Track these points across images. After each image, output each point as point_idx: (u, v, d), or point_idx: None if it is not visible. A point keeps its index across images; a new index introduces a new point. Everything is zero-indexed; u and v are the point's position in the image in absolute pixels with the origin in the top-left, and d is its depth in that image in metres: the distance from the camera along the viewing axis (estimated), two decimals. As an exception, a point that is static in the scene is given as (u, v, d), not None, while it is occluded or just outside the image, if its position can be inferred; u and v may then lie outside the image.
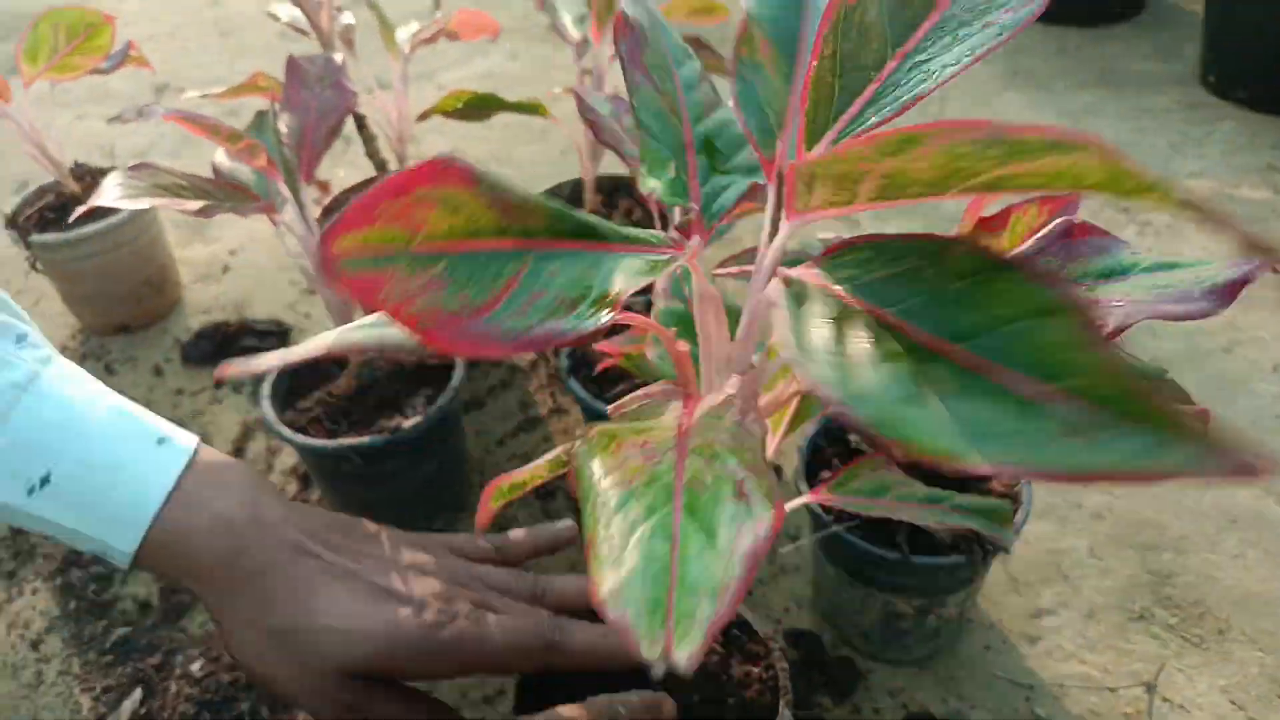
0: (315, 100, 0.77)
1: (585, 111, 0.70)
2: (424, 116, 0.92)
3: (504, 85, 1.70)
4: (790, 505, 0.58)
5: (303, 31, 0.96)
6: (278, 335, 1.16)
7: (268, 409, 0.81)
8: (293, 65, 0.78)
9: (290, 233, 0.75)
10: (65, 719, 0.80)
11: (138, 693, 0.82)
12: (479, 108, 0.90)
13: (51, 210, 1.13)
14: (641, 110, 0.46)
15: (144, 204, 0.62)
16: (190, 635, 0.85)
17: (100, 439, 0.49)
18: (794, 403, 0.56)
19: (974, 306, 0.30)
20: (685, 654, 0.24)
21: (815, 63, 0.38)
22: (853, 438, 0.72)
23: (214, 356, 1.14)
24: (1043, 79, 1.65)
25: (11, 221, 1.11)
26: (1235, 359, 1.01)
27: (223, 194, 0.67)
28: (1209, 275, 0.38)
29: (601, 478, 0.30)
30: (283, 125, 0.75)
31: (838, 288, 0.32)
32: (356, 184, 1.09)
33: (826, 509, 0.66)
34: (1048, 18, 1.78)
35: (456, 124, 1.08)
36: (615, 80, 0.95)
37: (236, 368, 0.39)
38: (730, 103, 0.43)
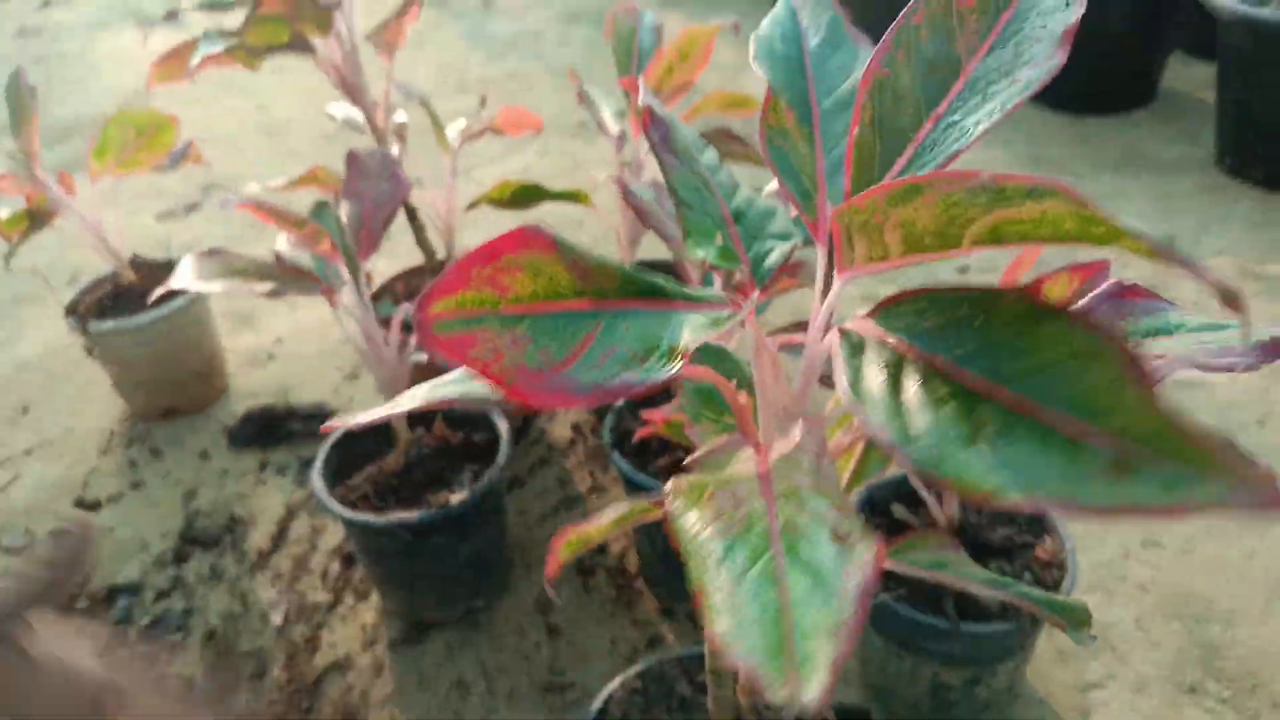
0: (373, 191, 0.82)
1: (629, 197, 0.73)
2: (473, 206, 0.96)
3: (537, 180, 1.76)
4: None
5: (357, 129, 1.01)
6: (321, 419, 1.19)
7: (319, 485, 0.83)
8: (353, 158, 0.83)
9: (349, 315, 0.79)
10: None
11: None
12: (525, 197, 0.94)
13: (109, 299, 1.17)
14: (681, 189, 0.50)
15: (217, 287, 0.66)
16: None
17: None
18: (856, 454, 0.58)
19: (1021, 351, 0.32)
20: (813, 694, 0.25)
21: (856, 129, 0.41)
22: (896, 508, 0.73)
23: (259, 440, 1.17)
24: (1067, 165, 1.69)
25: (71, 310, 1.16)
26: (1269, 431, 1.02)
27: (288, 278, 0.71)
28: (1253, 334, 0.40)
29: (700, 529, 0.32)
30: (342, 214, 0.79)
31: (892, 338, 0.35)
32: (402, 272, 1.13)
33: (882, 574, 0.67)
34: (1067, 106, 1.84)
35: (495, 214, 1.12)
36: (653, 171, 0.99)
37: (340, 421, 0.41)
38: (764, 187, 0.46)
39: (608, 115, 1.05)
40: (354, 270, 0.77)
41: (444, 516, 0.79)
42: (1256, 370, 0.40)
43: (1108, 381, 0.29)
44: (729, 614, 0.28)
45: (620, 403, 0.91)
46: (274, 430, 1.18)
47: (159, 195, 1.90)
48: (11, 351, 1.43)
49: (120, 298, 1.17)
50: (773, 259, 0.47)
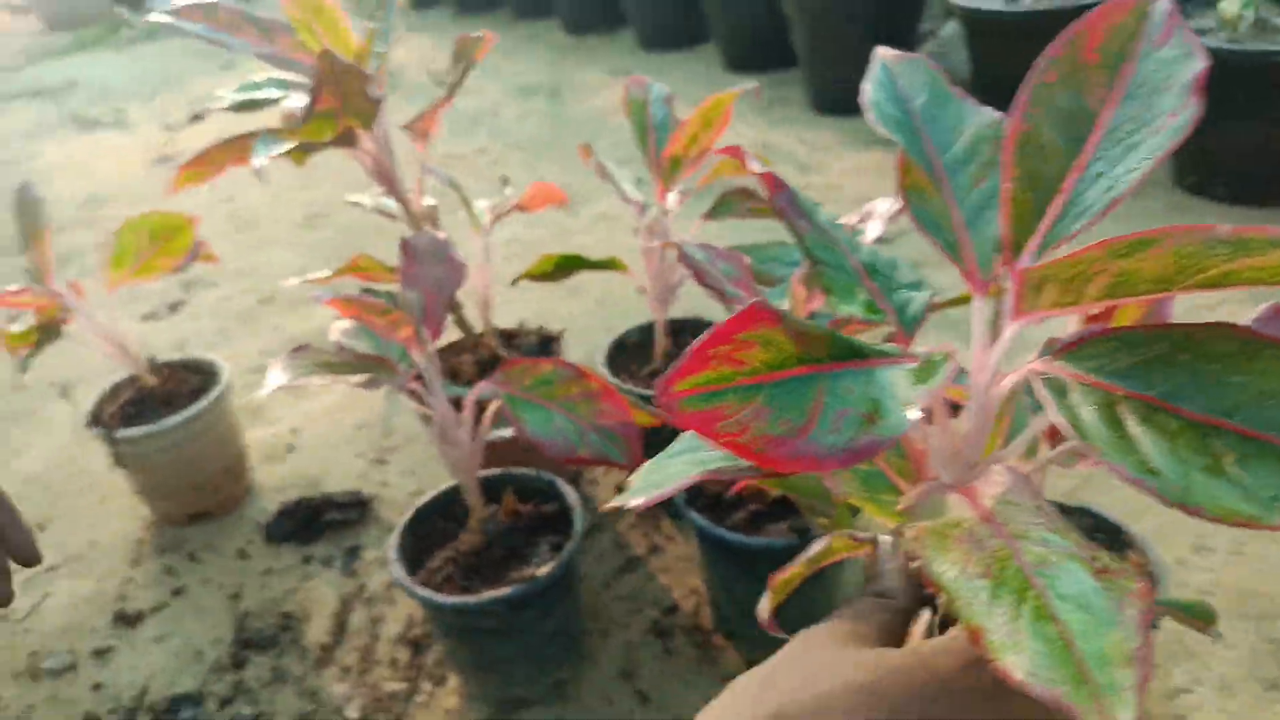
0: (430, 275, 0.83)
1: (686, 260, 0.76)
2: (517, 281, 0.98)
3: (529, 249, 1.79)
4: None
5: (389, 216, 1.02)
6: (359, 506, 1.18)
7: (400, 573, 0.82)
8: (406, 245, 0.84)
9: (410, 399, 0.79)
10: None
11: None
12: (565, 268, 0.96)
13: (131, 405, 1.16)
14: (815, 249, 0.52)
15: (313, 381, 0.66)
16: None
17: None
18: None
19: (1240, 383, 0.35)
20: (1128, 717, 0.27)
21: (1009, 184, 0.44)
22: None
23: (297, 534, 1.15)
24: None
25: (95, 419, 1.14)
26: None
27: (375, 367, 0.72)
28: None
29: (957, 575, 0.33)
30: (405, 300, 0.80)
31: (1094, 378, 0.37)
32: (439, 348, 1.14)
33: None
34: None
35: (503, 289, 1.14)
36: (678, 234, 1.02)
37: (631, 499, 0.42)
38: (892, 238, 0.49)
39: (628, 186, 1.08)
40: (428, 354, 0.78)
41: (534, 590, 0.79)
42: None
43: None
44: (1016, 651, 0.30)
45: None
46: (312, 523, 1.16)
47: (136, 298, 1.87)
48: (16, 466, 1.38)
49: (144, 403, 1.16)
50: (914, 308, 0.50)
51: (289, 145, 0.79)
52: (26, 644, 1.05)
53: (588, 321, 1.54)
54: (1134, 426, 0.36)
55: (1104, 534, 0.76)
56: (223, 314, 1.78)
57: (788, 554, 0.82)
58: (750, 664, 0.91)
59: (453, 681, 0.92)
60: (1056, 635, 0.31)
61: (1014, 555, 0.34)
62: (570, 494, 0.89)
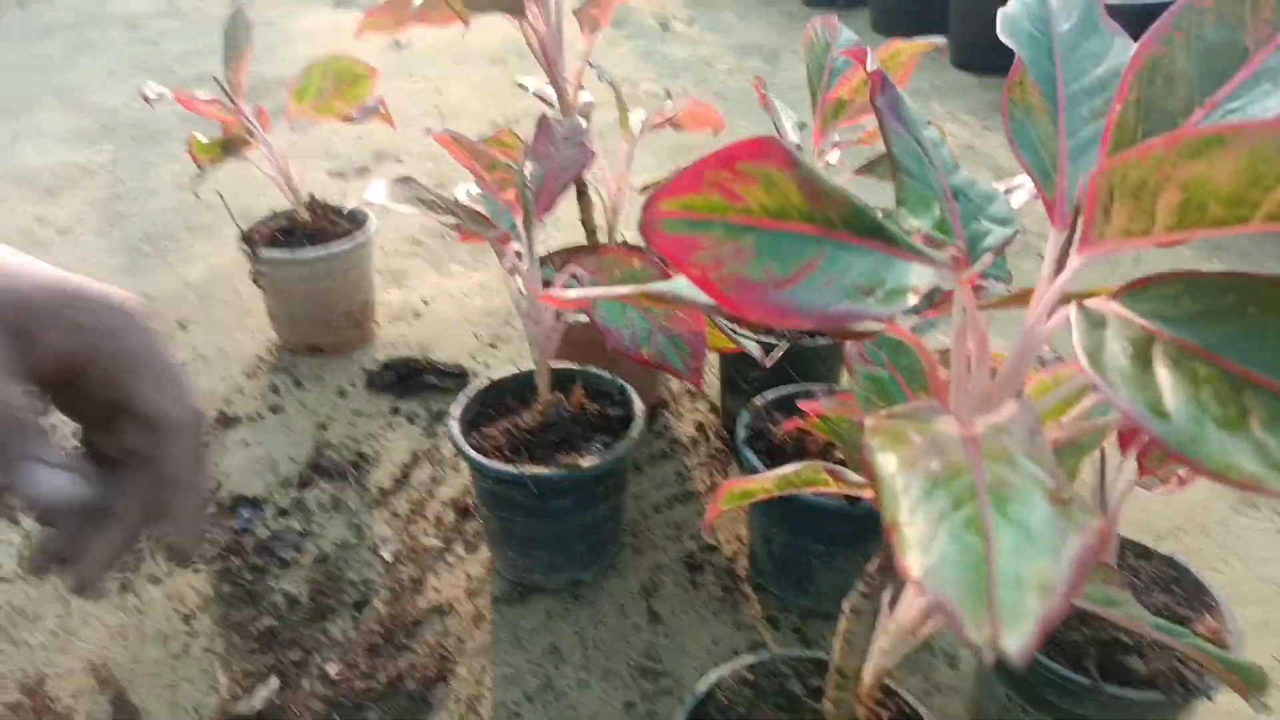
0: (558, 154, 0.83)
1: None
2: (646, 188, 0.97)
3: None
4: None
5: (546, 100, 1.04)
6: (457, 377, 1.21)
7: (456, 431, 0.84)
8: (544, 123, 0.85)
9: (516, 268, 0.80)
10: (203, 692, 0.82)
11: (274, 682, 0.83)
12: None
13: (282, 233, 1.23)
14: (902, 156, 0.48)
15: (406, 209, 0.68)
16: (331, 638, 0.86)
17: None
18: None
19: None
20: (1016, 644, 0.23)
21: (1119, 106, 0.39)
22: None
23: (396, 388, 1.20)
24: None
25: (246, 238, 1.22)
26: None
27: (469, 216, 0.73)
28: None
29: (897, 469, 0.30)
30: (527, 171, 0.81)
31: (1141, 319, 0.32)
32: (562, 249, 1.15)
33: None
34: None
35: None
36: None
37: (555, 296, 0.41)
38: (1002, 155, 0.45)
39: (788, 124, 1.04)
40: (528, 224, 0.78)
41: (571, 478, 0.79)
42: None
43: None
44: (923, 551, 0.27)
45: (761, 401, 0.89)
46: (411, 381, 1.21)
47: (331, 156, 1.99)
48: (180, 272, 1.51)
49: (292, 234, 1.23)
50: (991, 240, 0.45)
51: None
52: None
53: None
54: (1161, 368, 0.31)
55: (1183, 589, 0.68)
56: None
57: (827, 513, 0.79)
58: (770, 620, 0.88)
59: (483, 553, 0.94)
60: (978, 547, 0.27)
61: (972, 469, 0.31)
62: (637, 403, 0.88)
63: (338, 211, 1.29)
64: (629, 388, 0.90)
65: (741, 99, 2.34)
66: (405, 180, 0.74)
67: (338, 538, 0.97)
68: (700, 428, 1.11)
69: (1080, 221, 0.36)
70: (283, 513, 1.00)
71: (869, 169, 0.98)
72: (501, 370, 1.20)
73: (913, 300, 0.34)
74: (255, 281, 1.22)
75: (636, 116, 1.07)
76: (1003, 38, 0.45)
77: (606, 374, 0.92)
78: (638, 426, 0.84)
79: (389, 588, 0.91)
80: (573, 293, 0.38)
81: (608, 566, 0.91)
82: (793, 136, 1.04)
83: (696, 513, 0.99)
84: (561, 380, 0.91)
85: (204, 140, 1.17)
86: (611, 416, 0.88)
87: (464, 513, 0.99)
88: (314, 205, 1.27)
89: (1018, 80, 0.44)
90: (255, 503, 1.02)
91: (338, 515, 1.00)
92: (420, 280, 1.49)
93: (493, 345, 1.30)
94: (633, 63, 2.68)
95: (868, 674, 0.50)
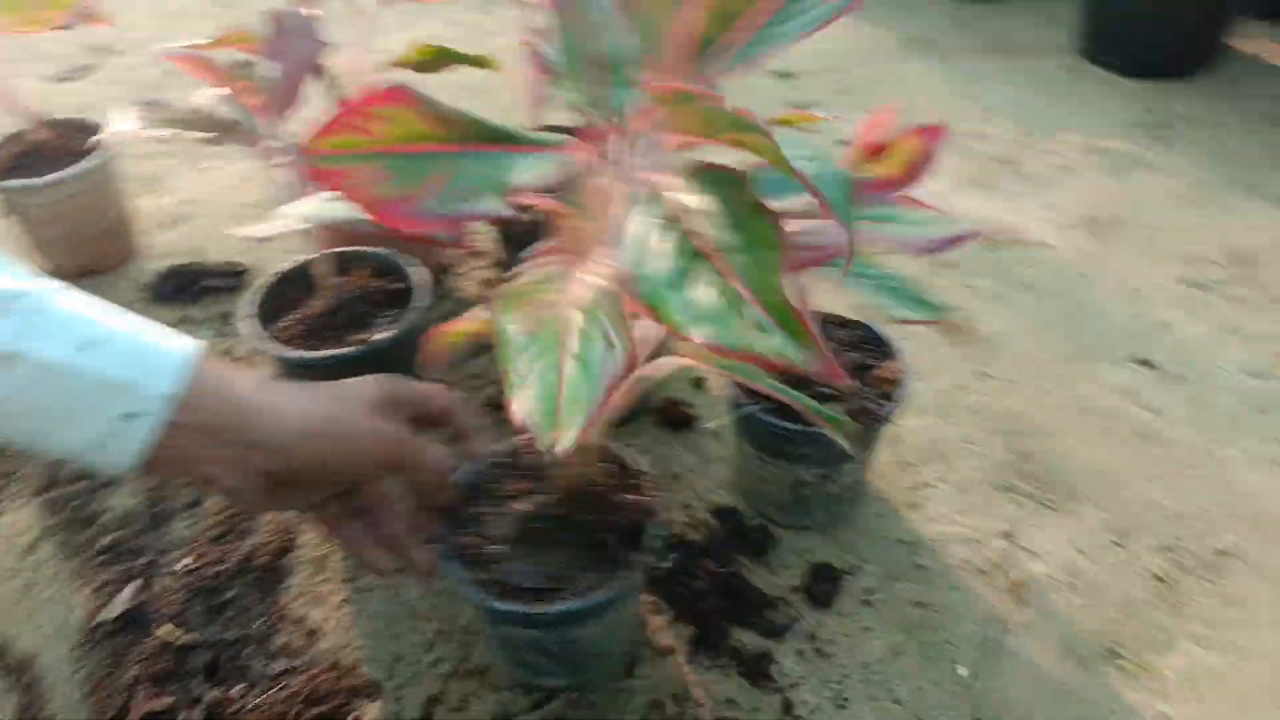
0: (294, 49, 0.86)
1: (542, 60, 0.80)
2: (392, 66, 1.01)
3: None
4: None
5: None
6: (236, 276, 1.24)
7: (252, 327, 0.90)
8: (277, 19, 0.87)
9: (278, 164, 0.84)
10: (65, 612, 0.88)
11: (131, 586, 0.91)
12: (436, 61, 1.00)
13: (25, 157, 1.18)
14: (566, 34, 0.58)
15: (164, 132, 0.71)
16: (176, 539, 0.94)
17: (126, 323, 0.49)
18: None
19: (740, 229, 0.43)
20: (564, 444, 0.38)
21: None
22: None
23: (179, 294, 1.22)
24: (937, 44, 1.81)
25: (-15, 170, 1.17)
26: (1088, 281, 1.18)
27: (226, 128, 0.77)
28: (937, 230, 0.57)
29: (510, 327, 0.43)
30: (268, 71, 0.84)
31: (681, 198, 0.45)
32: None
33: (749, 394, 0.79)
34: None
35: (409, 79, 1.17)
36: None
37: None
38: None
39: None
40: (280, 122, 0.83)
41: (371, 351, 0.88)
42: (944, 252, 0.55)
43: (773, 268, 0.41)
44: (520, 389, 0.41)
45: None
46: (192, 287, 1.23)
47: (46, 59, 1.84)
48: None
49: (33, 156, 1.18)
50: (632, 108, 0.56)
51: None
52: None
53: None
54: (665, 243, 0.46)
55: (872, 344, 0.86)
56: (128, 82, 1.77)
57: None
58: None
59: (303, 432, 1.02)
60: (554, 382, 0.41)
61: (560, 322, 0.44)
62: (417, 272, 0.96)
63: (78, 125, 1.25)
64: (407, 259, 0.98)
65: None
66: (154, 104, 0.76)
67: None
68: (487, 284, 1.21)
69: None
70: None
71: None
72: (277, 262, 1.24)
73: (509, 201, 0.45)
74: (6, 215, 1.19)
75: (363, -7, 1.09)
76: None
77: (382, 250, 0.99)
78: (423, 296, 0.93)
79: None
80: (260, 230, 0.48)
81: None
82: (517, -4, 1.09)
83: (490, 361, 1.10)
84: (342, 264, 0.97)
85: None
86: (395, 290, 0.97)
87: (276, 400, 1.06)
88: (48, 123, 1.22)
89: None
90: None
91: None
92: (177, 180, 1.47)
93: (265, 238, 1.32)
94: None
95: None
